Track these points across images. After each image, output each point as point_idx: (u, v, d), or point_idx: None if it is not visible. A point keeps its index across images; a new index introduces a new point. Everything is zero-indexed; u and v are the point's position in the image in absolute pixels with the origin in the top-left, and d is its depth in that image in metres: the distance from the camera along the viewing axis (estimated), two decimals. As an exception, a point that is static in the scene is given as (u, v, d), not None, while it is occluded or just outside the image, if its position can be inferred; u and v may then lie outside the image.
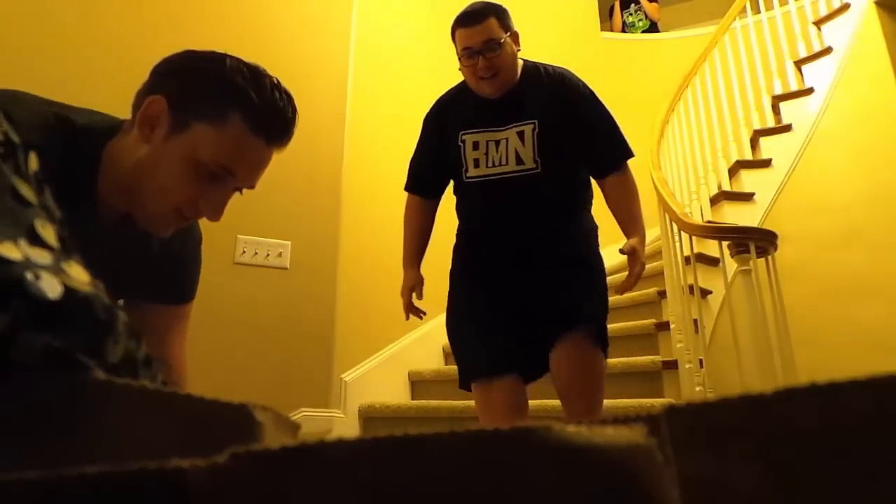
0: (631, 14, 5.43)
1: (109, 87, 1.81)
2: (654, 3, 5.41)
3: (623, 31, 5.40)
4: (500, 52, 1.44)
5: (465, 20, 1.46)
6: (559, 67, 1.56)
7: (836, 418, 0.17)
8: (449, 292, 1.56)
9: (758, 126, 3.31)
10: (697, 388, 2.06)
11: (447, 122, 1.56)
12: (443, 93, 1.63)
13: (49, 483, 0.16)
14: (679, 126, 3.27)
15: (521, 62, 1.52)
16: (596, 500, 0.16)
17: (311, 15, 2.53)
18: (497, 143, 1.48)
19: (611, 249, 4.45)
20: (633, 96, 4.46)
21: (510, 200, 1.48)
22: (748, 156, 3.25)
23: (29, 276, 0.24)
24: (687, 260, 2.37)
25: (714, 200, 3.07)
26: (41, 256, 0.25)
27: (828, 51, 3.39)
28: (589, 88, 1.53)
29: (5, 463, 0.19)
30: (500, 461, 0.17)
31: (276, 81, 0.82)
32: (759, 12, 3.65)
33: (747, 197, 3.05)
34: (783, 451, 0.17)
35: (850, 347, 2.59)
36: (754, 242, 2.11)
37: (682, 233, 2.36)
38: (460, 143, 1.51)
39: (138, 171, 0.76)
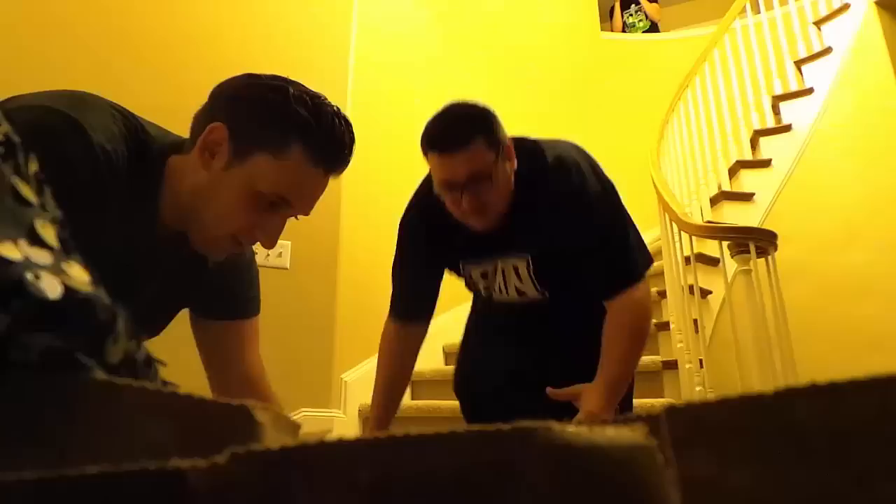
0: (631, 14, 5.43)
1: (105, 85, 1.81)
2: (654, 4, 5.41)
3: (623, 31, 5.40)
4: (490, 185, 1.07)
5: (442, 143, 1.07)
6: (557, 167, 1.16)
7: (835, 418, 0.17)
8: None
9: (758, 126, 3.31)
10: (697, 388, 2.06)
11: (436, 243, 1.28)
12: (416, 191, 1.31)
13: (49, 483, 0.16)
14: (679, 126, 3.27)
15: (514, 170, 1.17)
16: (596, 500, 0.16)
17: (311, 15, 2.53)
18: (499, 271, 1.26)
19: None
20: (633, 96, 4.47)
21: (522, 320, 1.31)
22: (748, 156, 3.25)
23: (29, 276, 0.24)
24: (687, 260, 2.37)
25: (714, 200, 3.07)
26: (41, 256, 0.25)
27: (828, 51, 3.39)
28: (597, 194, 1.16)
29: (5, 463, 0.19)
30: (500, 461, 0.17)
31: (336, 109, 0.80)
32: (759, 12, 3.65)
33: (747, 197, 3.05)
34: (783, 451, 0.17)
35: (850, 347, 2.59)
36: (754, 242, 2.11)
37: (682, 233, 2.36)
38: (464, 273, 1.31)
39: (196, 197, 0.76)
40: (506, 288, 1.26)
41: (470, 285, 1.35)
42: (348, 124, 0.82)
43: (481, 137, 1.06)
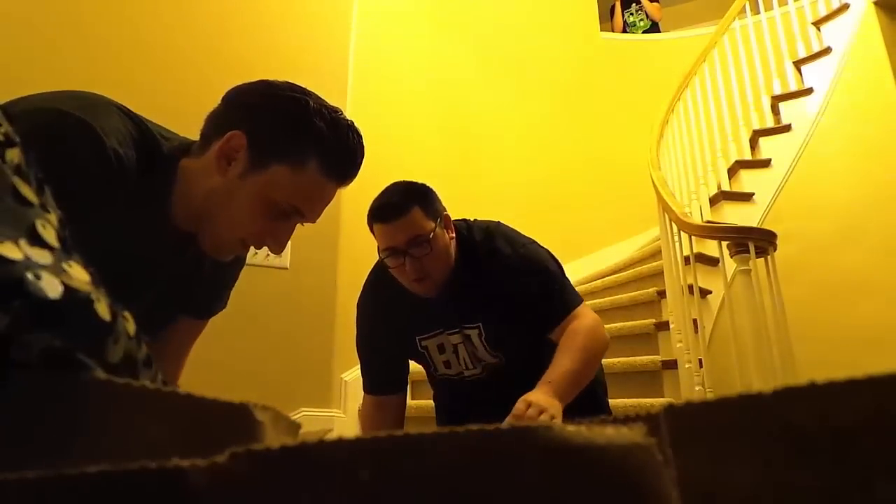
0: (632, 14, 5.43)
1: (108, 90, 1.82)
2: (655, 3, 5.41)
3: (624, 31, 5.40)
4: (429, 250, 1.18)
5: (381, 214, 1.19)
6: (494, 236, 1.30)
7: (835, 418, 0.17)
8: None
9: (757, 126, 3.31)
10: (697, 388, 2.06)
11: (391, 319, 1.34)
12: (369, 273, 1.39)
13: (49, 483, 0.16)
14: (679, 126, 3.27)
15: (454, 241, 1.28)
16: (595, 499, 0.16)
17: (311, 15, 2.53)
18: (456, 346, 1.32)
19: (600, 254, 4.41)
20: (632, 96, 4.47)
21: (484, 393, 1.32)
22: (748, 156, 3.25)
23: (29, 275, 0.24)
24: (686, 260, 2.37)
25: (714, 200, 3.07)
26: (42, 256, 0.26)
27: (827, 51, 3.39)
28: (531, 253, 1.28)
29: (5, 463, 0.19)
30: (499, 461, 0.17)
31: (350, 123, 0.83)
32: (758, 13, 3.65)
33: (747, 197, 3.05)
34: (783, 452, 0.17)
35: (849, 346, 2.59)
36: (754, 242, 2.11)
37: (682, 233, 2.36)
38: (422, 349, 1.35)
39: (211, 201, 0.78)
40: (467, 359, 1.31)
41: (428, 366, 1.38)
42: (360, 137, 0.84)
43: (418, 207, 1.19)
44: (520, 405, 1.05)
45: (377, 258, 1.43)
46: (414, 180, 1.27)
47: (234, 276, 1.00)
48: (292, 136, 0.78)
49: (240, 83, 0.84)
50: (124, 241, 0.70)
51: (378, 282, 1.36)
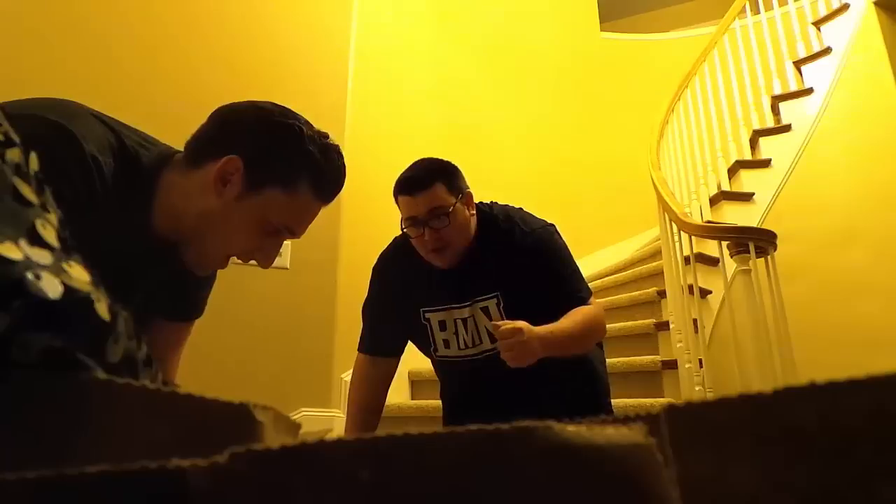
0: None
1: (109, 91, 1.82)
2: None
3: None
4: (448, 223, 1.25)
5: (406, 186, 1.26)
6: (513, 217, 1.36)
7: (835, 418, 0.17)
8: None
9: (757, 126, 3.31)
10: (697, 388, 2.06)
11: (401, 288, 1.39)
12: (391, 243, 1.45)
13: (49, 483, 0.16)
14: (679, 126, 3.27)
15: (474, 219, 1.33)
16: (595, 499, 0.16)
17: (310, 15, 2.53)
18: (465, 321, 1.34)
19: (600, 254, 4.41)
20: (632, 96, 4.47)
21: (491, 375, 1.30)
22: (748, 156, 3.25)
23: (30, 275, 0.24)
24: (687, 260, 2.37)
25: (714, 200, 3.07)
26: (42, 256, 0.26)
27: (827, 51, 3.39)
28: (546, 236, 1.34)
29: (5, 463, 0.19)
30: (499, 461, 0.17)
31: (338, 147, 0.88)
32: (758, 13, 3.65)
33: (747, 197, 3.05)
34: (783, 451, 0.17)
35: (849, 346, 2.59)
36: (754, 242, 2.11)
37: (682, 233, 2.36)
38: (424, 322, 1.37)
39: (205, 221, 0.80)
40: (478, 334, 1.33)
41: (428, 344, 1.40)
42: (343, 160, 0.89)
43: (441, 182, 1.26)
44: (507, 323, 1.11)
45: (377, 258, 1.47)
46: (440, 158, 1.33)
47: (212, 279, 1.02)
48: (287, 161, 0.81)
49: (228, 102, 0.85)
50: (104, 249, 0.70)
51: (397, 251, 1.42)
